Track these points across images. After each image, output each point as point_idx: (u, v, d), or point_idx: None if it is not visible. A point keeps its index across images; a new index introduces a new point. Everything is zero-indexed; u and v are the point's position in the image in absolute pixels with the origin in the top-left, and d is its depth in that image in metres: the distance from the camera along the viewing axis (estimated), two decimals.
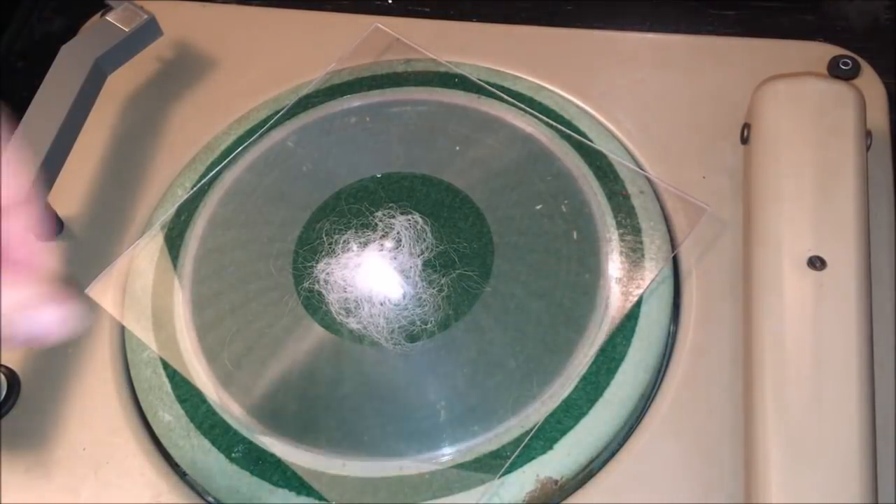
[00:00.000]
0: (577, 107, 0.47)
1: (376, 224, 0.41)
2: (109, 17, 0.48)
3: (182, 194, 0.45)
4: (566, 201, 0.42)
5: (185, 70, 0.51)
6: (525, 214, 0.42)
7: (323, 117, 0.47)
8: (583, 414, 0.36)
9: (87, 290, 0.41)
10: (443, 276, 0.40)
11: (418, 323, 0.38)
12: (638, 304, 0.39)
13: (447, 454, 0.36)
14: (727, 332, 0.39)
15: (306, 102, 0.47)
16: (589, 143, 0.44)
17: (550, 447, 0.36)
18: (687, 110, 0.46)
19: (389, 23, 0.49)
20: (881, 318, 0.38)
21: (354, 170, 0.45)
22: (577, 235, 0.41)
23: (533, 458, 0.35)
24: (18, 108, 0.44)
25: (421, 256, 0.40)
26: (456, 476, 0.35)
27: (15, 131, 0.42)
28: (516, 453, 0.35)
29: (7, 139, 0.23)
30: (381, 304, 0.38)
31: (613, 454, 0.37)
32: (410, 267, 0.39)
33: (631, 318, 0.38)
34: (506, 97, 0.46)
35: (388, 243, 0.40)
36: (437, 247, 0.41)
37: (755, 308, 0.37)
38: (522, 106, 0.45)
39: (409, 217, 0.41)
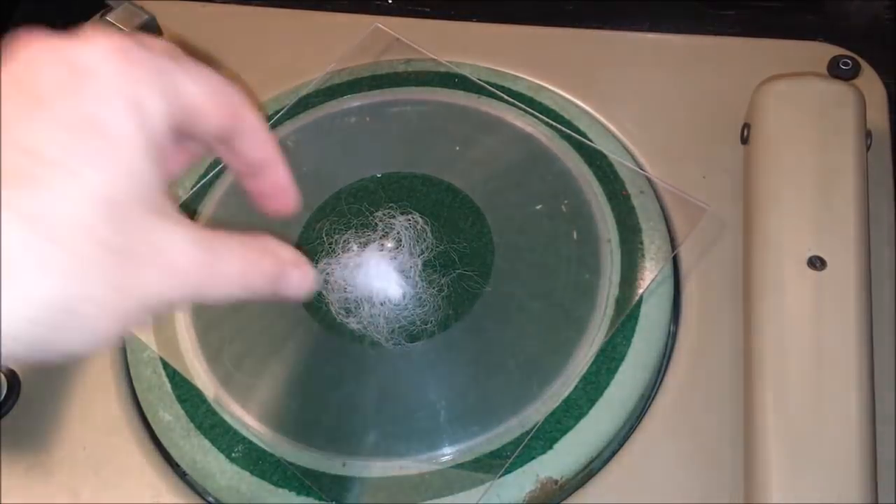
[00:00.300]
0: (577, 107, 0.47)
1: (376, 224, 0.41)
2: (109, 17, 0.48)
3: (182, 194, 0.45)
4: (566, 201, 0.42)
5: None
6: (525, 214, 0.42)
7: (323, 117, 0.47)
8: (583, 414, 0.36)
9: None
10: (443, 276, 0.40)
11: (418, 323, 0.38)
12: (638, 304, 0.39)
13: (447, 454, 0.36)
14: (727, 332, 0.39)
15: (306, 102, 0.47)
16: (589, 143, 0.44)
17: (550, 447, 0.36)
18: (687, 110, 0.46)
19: (389, 23, 0.49)
20: (881, 317, 0.38)
21: (354, 170, 0.44)
22: (577, 235, 0.41)
23: (533, 458, 0.35)
24: None
25: (421, 256, 0.40)
26: (456, 476, 0.35)
27: None
28: (516, 453, 0.35)
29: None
30: (381, 304, 0.38)
31: (613, 454, 0.37)
32: (410, 267, 0.39)
33: (631, 318, 0.38)
34: (506, 97, 0.46)
35: (389, 243, 0.40)
36: (437, 247, 0.41)
37: (755, 308, 0.37)
38: (522, 106, 0.45)
39: (409, 217, 0.41)
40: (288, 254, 0.27)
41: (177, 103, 0.23)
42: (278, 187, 0.30)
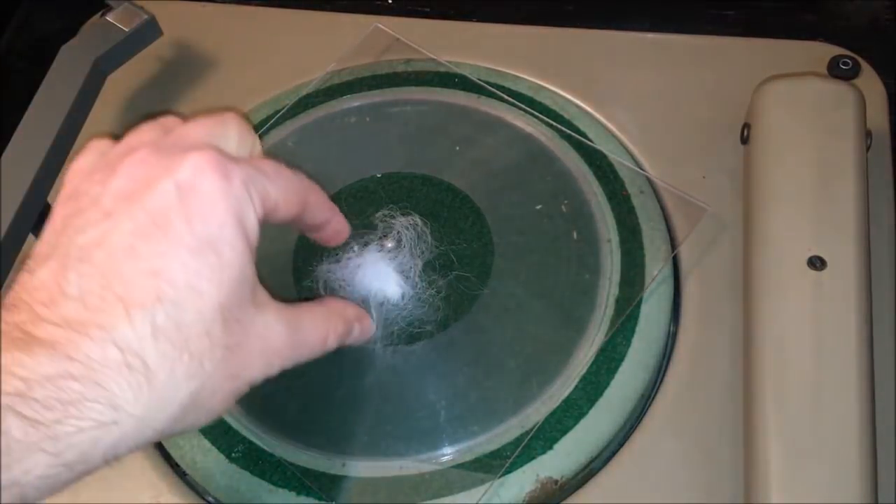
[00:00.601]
0: (577, 107, 0.47)
1: (376, 224, 0.41)
2: (109, 17, 0.48)
3: None
4: (566, 201, 0.42)
5: (185, 70, 0.51)
6: (525, 214, 0.42)
7: (323, 117, 0.47)
8: (583, 414, 0.36)
9: None
10: (443, 277, 0.40)
11: (418, 323, 0.38)
12: (638, 304, 0.39)
13: (447, 454, 0.36)
14: (727, 332, 0.39)
15: (306, 102, 0.47)
16: (589, 143, 0.44)
17: (550, 447, 0.36)
18: (687, 110, 0.46)
19: (389, 23, 0.49)
20: (881, 318, 0.38)
21: (354, 170, 0.44)
22: (577, 235, 0.41)
23: (533, 458, 0.35)
24: (18, 108, 0.44)
25: (421, 257, 0.40)
26: (456, 476, 0.35)
27: (15, 131, 0.42)
28: (516, 453, 0.35)
29: None
30: (381, 305, 0.38)
31: (613, 454, 0.37)
32: (410, 267, 0.39)
33: (631, 318, 0.38)
34: (506, 97, 0.46)
35: (388, 244, 0.40)
36: (437, 247, 0.40)
37: (755, 308, 0.37)
38: (522, 106, 0.45)
39: (409, 217, 0.41)
40: (352, 312, 0.33)
41: (263, 208, 0.27)
42: (337, 233, 0.34)
